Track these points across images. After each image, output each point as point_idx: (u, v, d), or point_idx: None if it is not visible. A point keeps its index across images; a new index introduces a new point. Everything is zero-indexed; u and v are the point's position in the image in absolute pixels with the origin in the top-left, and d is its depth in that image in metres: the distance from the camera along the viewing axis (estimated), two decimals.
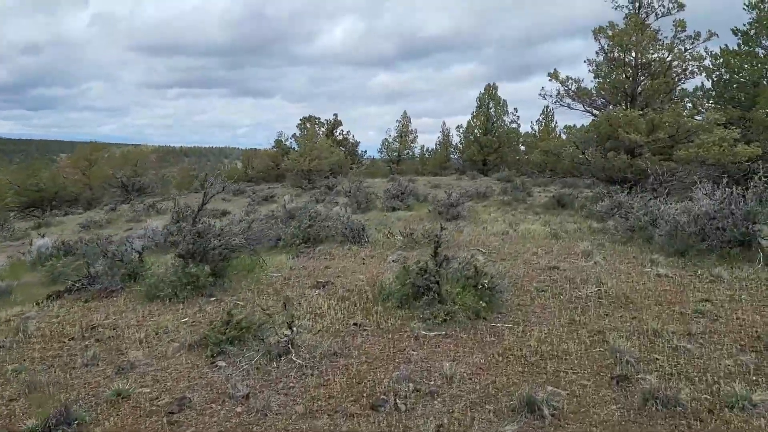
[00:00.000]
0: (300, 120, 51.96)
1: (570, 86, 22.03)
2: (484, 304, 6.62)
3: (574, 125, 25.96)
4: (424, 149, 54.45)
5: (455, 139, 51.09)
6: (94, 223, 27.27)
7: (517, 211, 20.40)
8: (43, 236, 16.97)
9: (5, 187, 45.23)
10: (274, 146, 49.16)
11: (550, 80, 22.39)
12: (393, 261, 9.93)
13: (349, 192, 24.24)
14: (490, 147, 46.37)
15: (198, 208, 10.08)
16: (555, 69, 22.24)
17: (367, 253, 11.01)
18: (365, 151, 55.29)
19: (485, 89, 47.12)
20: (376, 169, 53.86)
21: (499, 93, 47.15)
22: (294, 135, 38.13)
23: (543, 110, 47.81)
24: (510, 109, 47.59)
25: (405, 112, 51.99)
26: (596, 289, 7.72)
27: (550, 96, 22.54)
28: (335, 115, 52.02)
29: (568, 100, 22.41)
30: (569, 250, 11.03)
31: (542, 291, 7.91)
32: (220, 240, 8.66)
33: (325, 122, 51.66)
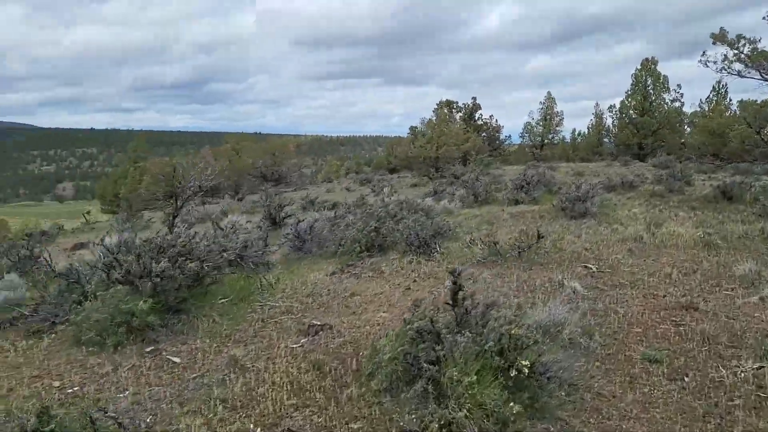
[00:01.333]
0: (436, 105, 49.33)
1: (742, 48, 17.19)
2: (518, 408, 3.55)
3: (754, 101, 20.39)
4: (575, 133, 49.56)
5: (609, 121, 45.79)
6: (210, 215, 26.62)
7: (668, 206, 16.29)
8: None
9: (141, 176, 47.06)
10: (409, 133, 47.03)
11: (714, 43, 17.65)
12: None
13: (467, 182, 21.23)
14: (647, 129, 40.68)
15: (172, 213, 7.61)
16: (721, 28, 17.48)
17: (428, 270, 8.15)
18: (508, 137, 51.50)
19: (642, 65, 41.35)
20: (521, 155, 49.92)
21: (666, 71, 41.32)
22: (422, 120, 35.68)
23: (714, 86, 40.99)
24: (672, 86, 41.39)
25: (549, 94, 47.47)
26: (757, 367, 4.33)
27: (714, 63, 17.76)
28: (474, 98, 48.82)
29: (739, 67, 17.50)
30: (724, 272, 7.43)
31: (654, 363, 4.65)
32: (186, 258, 6.20)
33: (463, 107, 48.60)
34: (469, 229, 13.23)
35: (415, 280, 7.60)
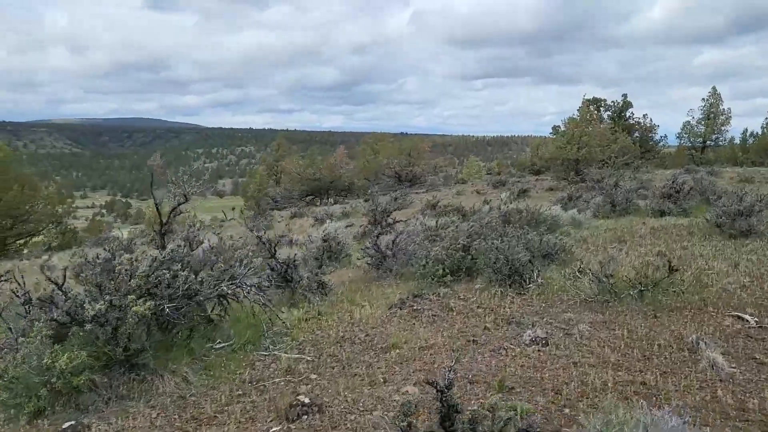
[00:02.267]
0: (582, 102, 45.73)
1: None
2: None
3: None
4: (746, 133, 43.64)
5: None
6: (330, 215, 25.94)
7: None
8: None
9: (290, 175, 47.83)
10: (551, 133, 43.94)
11: None
12: (531, 339, 5.08)
13: (604, 188, 18.60)
14: None
15: (159, 230, 6.12)
16: None
17: (511, 311, 6.23)
18: (663, 137, 46.62)
19: None
20: (679, 158, 44.94)
21: None
22: (563, 120, 32.71)
23: None
24: None
25: (714, 89, 41.81)
26: None
27: None
28: (624, 95, 44.59)
29: None
30: None
31: None
32: (145, 294, 4.58)
33: (611, 105, 44.61)
34: (594, 247, 11.03)
35: (486, 327, 5.73)
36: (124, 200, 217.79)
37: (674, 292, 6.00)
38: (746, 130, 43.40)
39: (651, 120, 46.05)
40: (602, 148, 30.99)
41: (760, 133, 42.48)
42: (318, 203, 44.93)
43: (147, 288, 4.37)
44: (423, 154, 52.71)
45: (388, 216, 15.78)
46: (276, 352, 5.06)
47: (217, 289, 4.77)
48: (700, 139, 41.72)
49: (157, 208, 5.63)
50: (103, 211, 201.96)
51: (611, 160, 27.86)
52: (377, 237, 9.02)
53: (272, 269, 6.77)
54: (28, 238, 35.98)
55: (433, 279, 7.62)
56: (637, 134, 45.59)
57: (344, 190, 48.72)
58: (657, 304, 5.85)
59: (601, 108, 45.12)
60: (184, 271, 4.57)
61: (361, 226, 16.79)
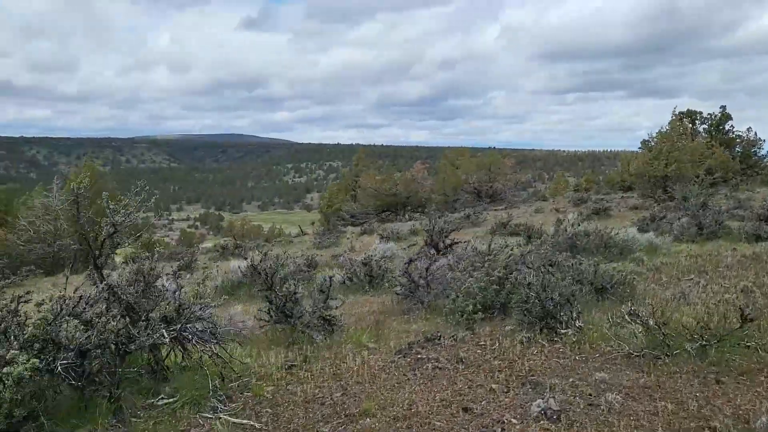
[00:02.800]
0: (673, 115, 42.95)
1: None
2: None
3: None
4: None
5: None
6: (396, 233, 25.15)
7: None
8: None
9: (366, 190, 47.57)
10: (640, 148, 41.36)
11: None
12: (540, 411, 3.94)
13: (689, 209, 16.84)
14: None
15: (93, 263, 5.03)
16: None
17: (534, 364, 5.04)
18: None
19: None
20: None
21: None
22: (649, 133, 30.34)
23: None
24: None
25: None
26: None
27: None
28: (722, 107, 41.38)
29: None
30: None
31: None
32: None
33: (708, 117, 41.55)
34: (667, 278, 9.66)
35: (492, 388, 4.52)
36: (216, 213, 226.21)
37: (748, 347, 4.73)
38: None
39: (756, 133, 42.64)
40: (693, 164, 28.65)
41: None
42: (393, 219, 44.33)
43: (45, 339, 3.63)
44: (504, 170, 51.09)
45: (446, 237, 14.79)
46: (222, 416, 4.24)
47: (151, 338, 4.00)
48: None
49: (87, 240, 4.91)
50: (197, 223, 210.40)
51: (699, 177, 25.58)
52: (408, 263, 8.11)
53: (270, 302, 6.01)
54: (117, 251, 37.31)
55: (461, 316, 6.64)
56: (738, 149, 42.30)
57: (421, 205, 47.85)
58: (723, 364, 4.59)
59: (697, 121, 42.17)
60: (106, 315, 3.85)
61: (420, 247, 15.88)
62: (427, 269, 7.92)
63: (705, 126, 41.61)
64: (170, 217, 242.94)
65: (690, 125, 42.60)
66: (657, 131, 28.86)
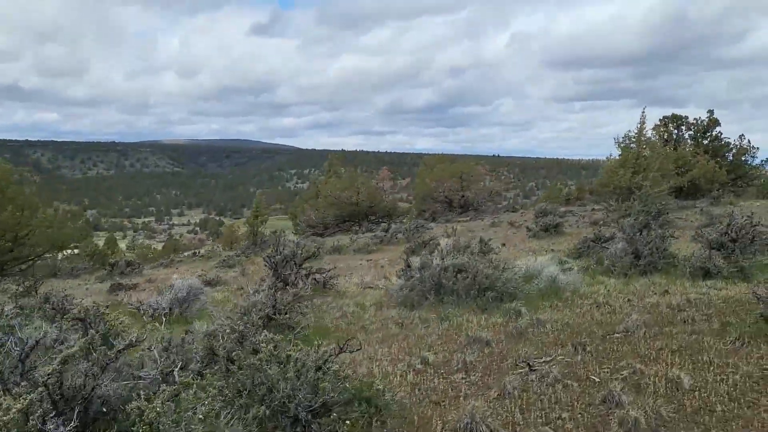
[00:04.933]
0: (659, 121, 39.33)
1: None
2: None
3: None
4: None
5: None
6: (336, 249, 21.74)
7: None
8: None
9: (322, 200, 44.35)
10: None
11: None
12: None
13: (626, 232, 13.22)
14: None
15: None
16: None
17: None
18: (765, 161, 39.28)
19: None
20: None
21: None
22: (621, 138, 26.43)
23: None
24: None
25: None
26: None
27: None
28: (710, 112, 37.68)
29: None
30: None
31: None
32: None
33: (694, 123, 37.88)
34: (503, 367, 6.27)
35: None
36: (217, 218, 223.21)
37: None
38: None
39: (749, 141, 38.89)
40: (666, 174, 25.10)
41: None
42: (356, 230, 40.87)
43: None
44: (477, 178, 47.58)
45: (299, 266, 11.37)
46: None
47: None
48: None
49: None
50: (197, 228, 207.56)
51: (639, 188, 22.05)
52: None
53: None
54: (30, 262, 33.87)
55: None
56: (732, 157, 38.63)
57: (387, 215, 44.30)
58: None
59: (682, 127, 38.53)
60: None
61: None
62: None
63: (691, 132, 38.00)
64: (171, 222, 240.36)
65: (675, 131, 39.07)
66: (623, 135, 25.33)
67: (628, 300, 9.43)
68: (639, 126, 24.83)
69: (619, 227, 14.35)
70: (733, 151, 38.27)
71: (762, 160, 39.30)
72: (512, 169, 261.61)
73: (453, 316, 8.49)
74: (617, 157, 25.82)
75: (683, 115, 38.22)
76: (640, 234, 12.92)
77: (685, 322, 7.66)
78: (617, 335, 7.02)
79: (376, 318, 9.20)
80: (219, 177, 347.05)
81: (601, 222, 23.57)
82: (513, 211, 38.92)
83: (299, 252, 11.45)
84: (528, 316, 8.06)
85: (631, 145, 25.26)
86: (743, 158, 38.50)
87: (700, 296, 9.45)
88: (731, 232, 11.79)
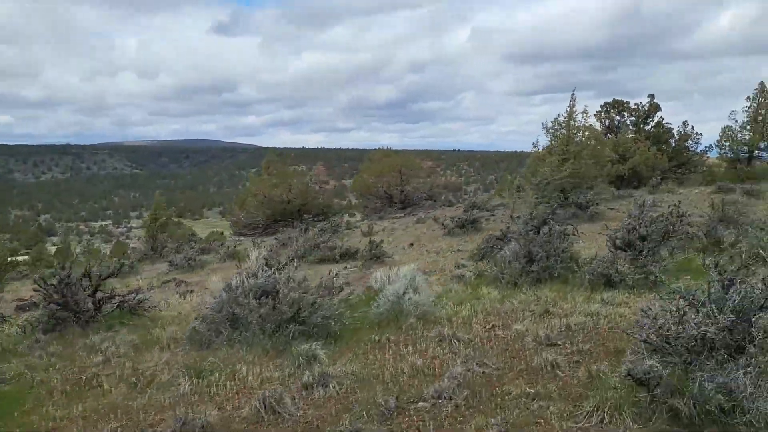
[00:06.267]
0: (600, 107, 37.56)
1: None
2: None
3: None
4: None
5: None
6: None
7: None
8: None
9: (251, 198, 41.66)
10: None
11: None
12: None
13: (520, 233, 10.96)
14: None
15: None
16: None
17: None
18: (708, 148, 37.66)
19: None
20: (727, 172, 35.85)
21: None
22: (550, 123, 24.24)
23: None
24: None
25: (762, 84, 32.26)
26: None
27: None
28: (650, 97, 35.97)
29: None
30: None
31: None
32: None
33: (635, 108, 36.13)
34: None
35: None
36: (176, 219, 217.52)
37: None
38: None
39: (692, 127, 37.26)
40: (598, 163, 23.08)
41: None
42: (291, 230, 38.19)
43: None
44: (418, 172, 45.33)
45: (95, 289, 8.82)
46: None
47: None
48: (745, 148, 32.70)
49: None
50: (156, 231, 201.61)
51: (545, 180, 19.99)
52: None
53: None
54: None
55: None
56: (675, 144, 36.98)
57: (321, 213, 41.70)
58: None
59: (624, 113, 36.77)
60: None
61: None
62: None
63: (633, 118, 36.24)
64: (129, 225, 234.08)
65: (617, 117, 37.35)
66: (553, 120, 23.13)
67: (491, 327, 7.14)
68: (568, 109, 22.73)
69: (513, 223, 12.08)
70: (676, 137, 36.61)
71: (705, 147, 37.67)
72: (473, 163, 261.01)
73: (225, 364, 6.04)
74: (547, 144, 23.72)
75: (625, 101, 36.54)
76: (537, 233, 10.67)
77: (542, 369, 5.38)
78: (423, 404, 4.67)
79: (150, 364, 6.70)
80: (179, 177, 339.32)
81: (518, 216, 21.43)
82: (449, 206, 36.76)
83: (97, 270, 8.88)
84: (320, 365, 5.67)
85: (561, 130, 23.16)
86: (686, 144, 36.89)
87: (587, 318, 7.21)
88: (640, 227, 9.56)
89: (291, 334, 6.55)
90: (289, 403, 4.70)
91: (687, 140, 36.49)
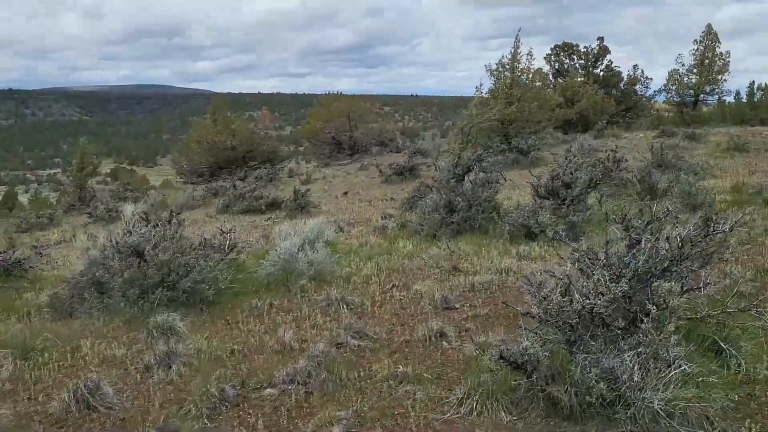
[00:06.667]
0: (550, 50, 36.72)
1: None
2: None
3: None
4: (753, 87, 34.14)
5: None
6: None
7: None
8: None
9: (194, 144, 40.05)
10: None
11: None
12: None
13: (439, 179, 10.23)
14: None
15: None
16: None
17: None
18: (656, 93, 37.28)
19: None
20: (675, 116, 35.64)
21: None
22: (494, 66, 23.21)
23: None
24: None
25: (709, 26, 31.65)
26: None
27: None
28: (599, 40, 35.24)
29: None
30: None
31: None
32: None
33: (584, 51, 35.39)
34: None
35: None
36: (129, 168, 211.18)
37: None
38: (753, 82, 33.65)
39: (642, 71, 36.80)
40: (543, 106, 22.37)
41: None
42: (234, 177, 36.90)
43: None
44: (366, 118, 44.09)
45: None
46: None
47: None
48: (692, 92, 32.42)
49: None
50: (108, 179, 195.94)
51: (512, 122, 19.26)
52: None
53: None
54: None
55: None
56: (625, 87, 36.51)
57: (267, 160, 40.40)
58: None
59: (574, 56, 36.04)
60: None
61: None
62: None
63: (582, 62, 35.57)
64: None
65: (566, 60, 36.62)
66: (497, 62, 22.23)
67: (391, 288, 6.42)
68: (512, 51, 21.84)
69: (436, 169, 11.31)
70: (625, 81, 36.13)
71: (654, 91, 37.29)
72: (430, 108, 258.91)
73: (68, 340, 5.18)
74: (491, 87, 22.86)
75: (574, 44, 35.72)
76: (460, 181, 9.94)
77: (427, 342, 4.69)
78: (270, 392, 3.92)
79: None
80: (131, 124, 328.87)
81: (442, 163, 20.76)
82: (398, 152, 35.90)
83: None
84: (176, 340, 4.86)
85: (505, 72, 22.32)
86: (635, 89, 36.48)
87: (496, 276, 6.56)
88: (564, 174, 8.88)
89: (155, 302, 5.71)
90: (111, 393, 3.91)
91: (635, 84, 36.07)
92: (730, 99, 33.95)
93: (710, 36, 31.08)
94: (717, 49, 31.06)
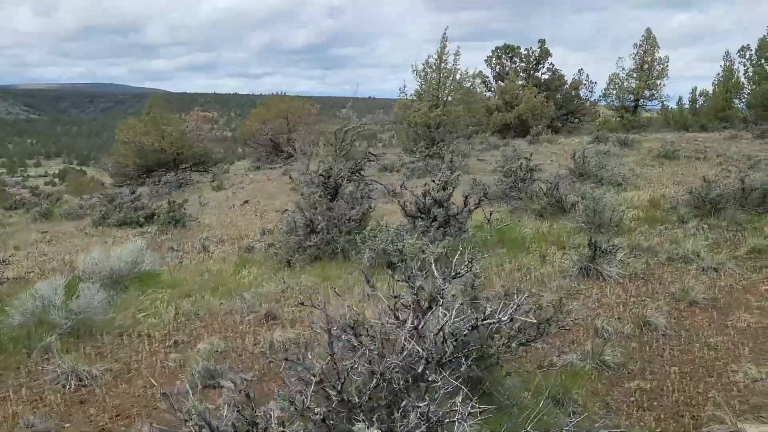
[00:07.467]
0: (491, 52, 35.70)
1: None
2: None
3: None
4: (695, 92, 33.54)
5: (741, 71, 29.89)
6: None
7: None
8: None
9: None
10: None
11: None
12: None
13: (309, 184, 8.76)
14: None
15: None
16: None
17: None
18: (600, 98, 36.53)
19: None
20: (615, 122, 34.84)
21: None
22: (420, 66, 21.74)
23: None
24: None
25: (649, 31, 30.93)
26: None
27: None
28: (541, 42, 34.29)
29: None
30: None
31: None
32: None
33: (525, 53, 34.42)
34: None
35: None
36: (78, 168, 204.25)
37: None
38: (695, 89, 33.10)
39: (588, 76, 35.99)
40: (470, 110, 21.13)
41: (712, 92, 32.41)
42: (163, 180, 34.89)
43: None
44: (306, 119, 42.45)
45: None
46: None
47: None
48: (632, 97, 31.63)
49: None
50: (56, 179, 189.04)
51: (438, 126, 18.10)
52: None
53: None
54: None
55: None
56: (569, 91, 35.64)
57: (200, 162, 38.54)
58: None
59: (516, 59, 35.02)
60: None
61: None
62: None
63: (523, 64, 34.55)
64: (25, 174, 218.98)
65: (508, 63, 35.63)
66: (425, 61, 20.79)
67: (171, 345, 4.90)
68: (439, 50, 20.44)
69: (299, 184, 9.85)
70: (567, 85, 35.28)
71: (599, 96, 36.55)
72: (389, 110, 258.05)
73: None
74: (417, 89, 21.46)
75: (516, 46, 34.69)
76: (330, 197, 8.44)
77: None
78: None
79: None
80: (82, 123, 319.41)
81: (398, 167, 19.44)
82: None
83: None
84: None
85: (432, 73, 20.95)
86: (578, 93, 35.68)
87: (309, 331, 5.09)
88: (434, 190, 7.49)
89: None
90: None
91: (578, 87, 35.28)
92: (672, 105, 33.38)
93: (650, 41, 30.38)
94: (656, 54, 30.39)
